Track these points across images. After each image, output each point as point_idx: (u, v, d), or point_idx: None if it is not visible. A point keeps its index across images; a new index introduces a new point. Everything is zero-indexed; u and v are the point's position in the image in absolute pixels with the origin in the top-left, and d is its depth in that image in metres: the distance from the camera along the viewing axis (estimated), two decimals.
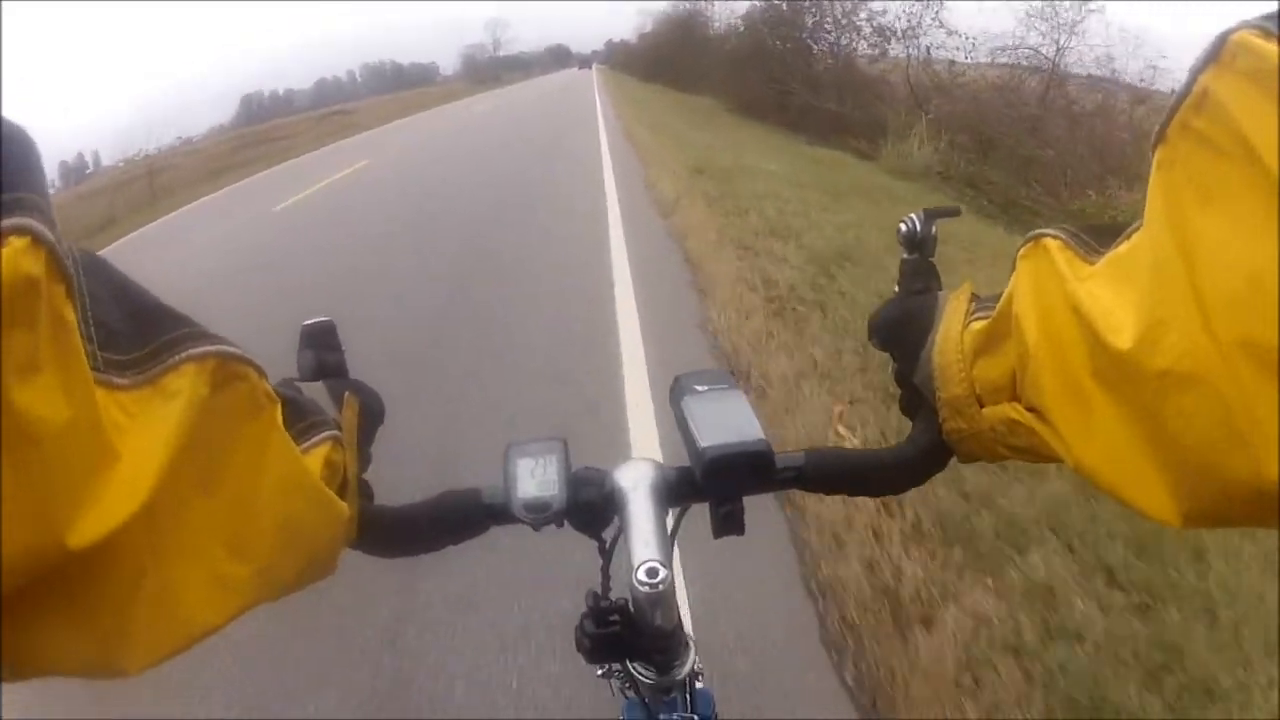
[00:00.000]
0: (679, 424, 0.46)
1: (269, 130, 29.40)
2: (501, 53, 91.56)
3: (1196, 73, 0.25)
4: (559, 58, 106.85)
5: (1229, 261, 0.24)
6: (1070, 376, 0.32)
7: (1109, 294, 0.30)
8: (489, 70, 77.13)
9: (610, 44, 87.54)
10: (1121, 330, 0.28)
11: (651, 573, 0.41)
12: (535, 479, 0.45)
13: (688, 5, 26.57)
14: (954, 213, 0.54)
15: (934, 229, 0.50)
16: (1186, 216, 0.25)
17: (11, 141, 0.21)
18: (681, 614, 0.47)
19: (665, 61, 27.68)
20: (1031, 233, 0.36)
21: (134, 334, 0.26)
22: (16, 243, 0.20)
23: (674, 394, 0.48)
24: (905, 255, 0.50)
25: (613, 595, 0.45)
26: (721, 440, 0.43)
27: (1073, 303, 0.31)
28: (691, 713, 0.54)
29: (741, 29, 17.98)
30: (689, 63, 22.99)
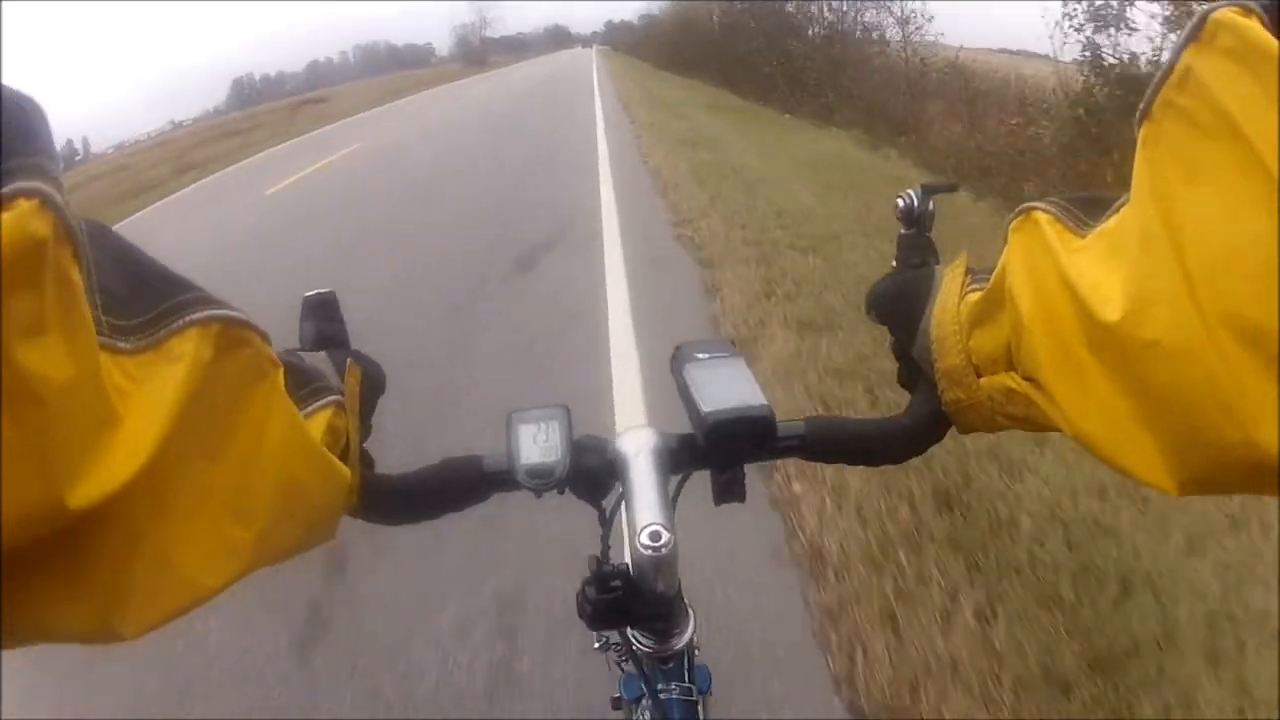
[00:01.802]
0: (680, 392, 0.46)
1: (228, 123, 27.99)
2: (488, 33, 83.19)
3: (1179, 51, 0.26)
4: (558, 38, 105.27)
5: (1213, 236, 0.24)
6: (1064, 347, 0.32)
7: (1098, 267, 0.30)
8: (479, 52, 71.66)
9: (610, 24, 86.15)
10: (1110, 303, 0.29)
11: (655, 536, 0.41)
12: (538, 445, 0.45)
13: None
14: (952, 188, 0.54)
15: (931, 204, 0.50)
16: (1172, 192, 0.26)
17: (19, 109, 0.21)
18: (681, 583, 0.48)
19: (668, 44, 26.39)
20: (1022, 205, 0.37)
21: (138, 299, 0.26)
22: (25, 205, 0.20)
23: (675, 363, 0.48)
24: (903, 230, 0.51)
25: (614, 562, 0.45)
26: (724, 406, 0.43)
27: (1063, 275, 0.32)
28: (689, 683, 0.54)
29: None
30: (686, 43, 22.77)
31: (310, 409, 0.37)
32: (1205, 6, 0.25)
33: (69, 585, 0.24)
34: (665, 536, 0.41)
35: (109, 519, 0.24)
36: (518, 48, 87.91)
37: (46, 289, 0.21)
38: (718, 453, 0.45)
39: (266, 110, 31.37)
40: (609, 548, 0.48)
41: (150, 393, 0.25)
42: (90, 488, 0.22)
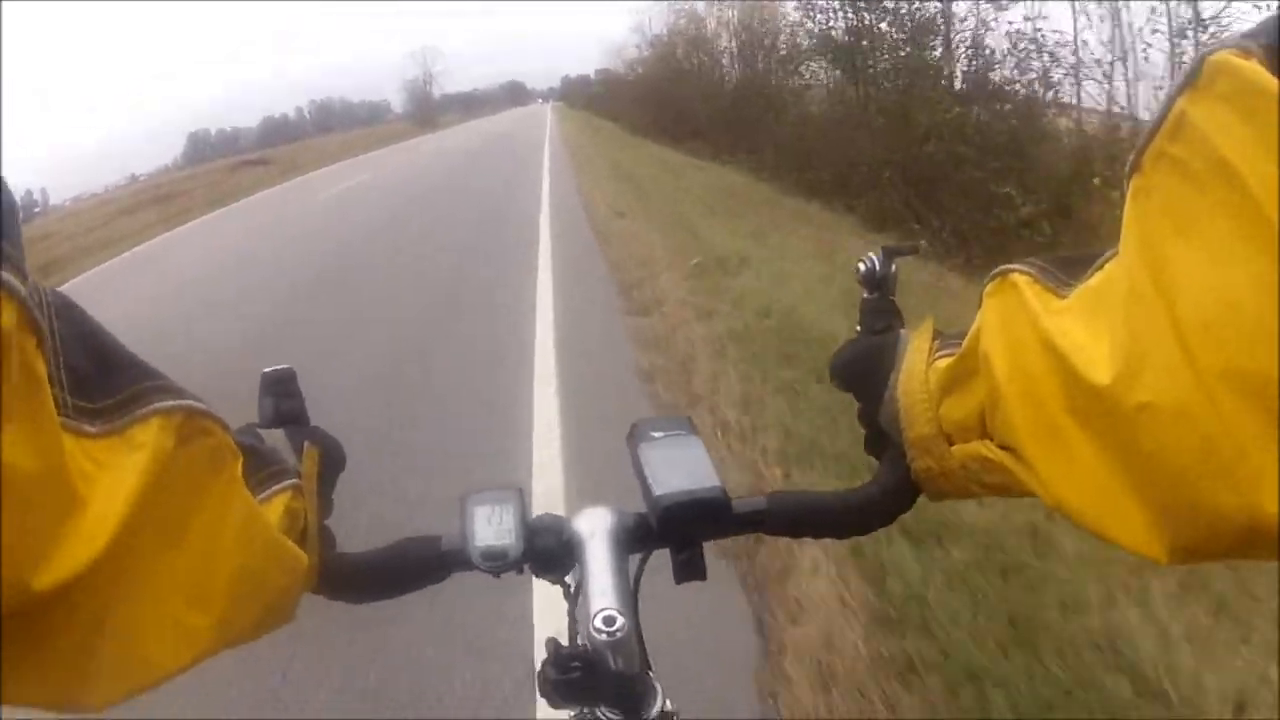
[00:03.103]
0: (635, 471, 0.46)
1: (165, 184, 27.49)
2: (437, 88, 77.32)
3: (1173, 98, 0.25)
4: (514, 94, 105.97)
5: (1208, 289, 0.23)
6: (1044, 413, 0.31)
7: (1082, 328, 0.29)
8: (428, 111, 66.35)
9: (566, 80, 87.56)
10: (1098, 365, 0.27)
11: (608, 621, 0.41)
12: (492, 527, 0.45)
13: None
14: (913, 250, 0.53)
15: (894, 267, 0.50)
16: (1162, 246, 0.25)
17: None
18: (647, 656, 0.48)
19: (649, 100, 20.19)
20: (998, 269, 0.36)
21: (103, 381, 0.27)
22: None
23: (631, 440, 0.48)
24: (865, 294, 0.50)
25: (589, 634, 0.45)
26: (676, 488, 0.43)
27: (1044, 338, 0.31)
28: None
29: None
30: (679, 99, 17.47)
31: (268, 493, 0.37)
32: (1203, 49, 0.24)
33: (34, 660, 0.24)
34: (619, 622, 0.41)
35: (73, 600, 0.24)
36: (473, 105, 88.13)
37: (11, 379, 0.21)
38: (673, 534, 0.45)
39: (204, 172, 30.93)
40: (576, 624, 0.47)
41: (113, 478, 0.25)
42: (54, 571, 0.23)
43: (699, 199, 8.26)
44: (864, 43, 9.95)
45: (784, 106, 12.49)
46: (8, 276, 0.21)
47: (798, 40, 12.42)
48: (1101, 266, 0.30)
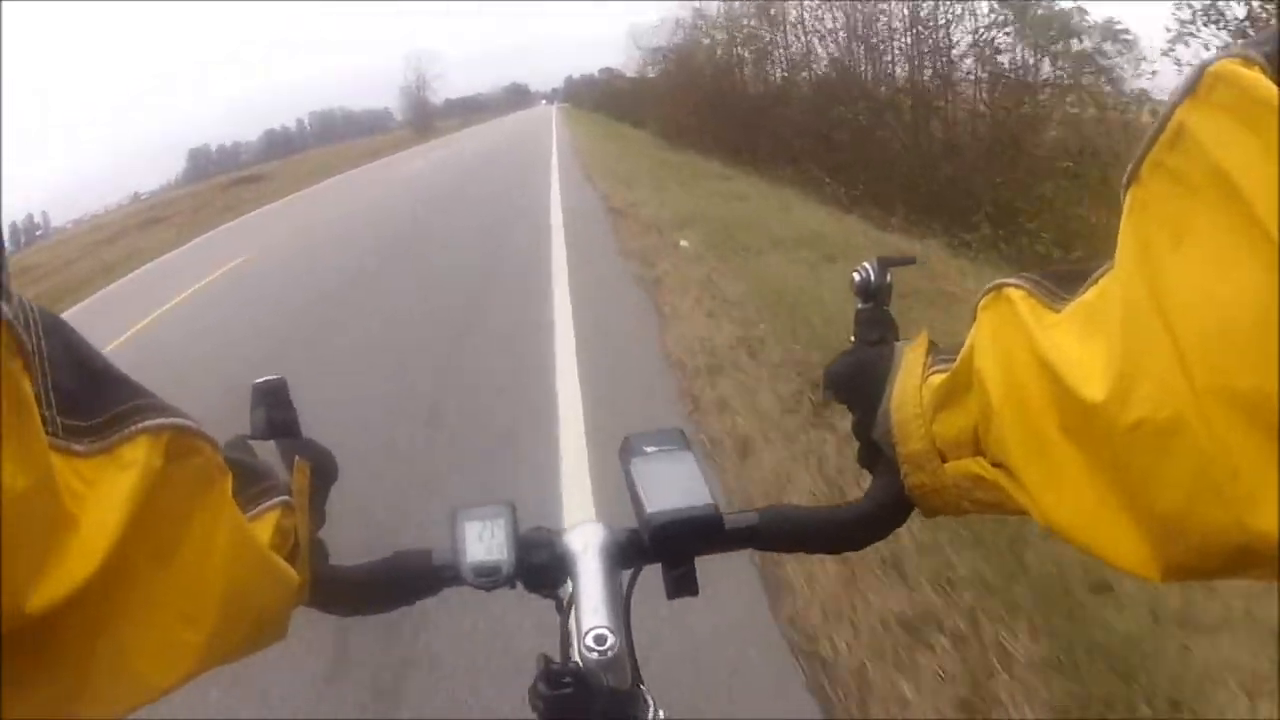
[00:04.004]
0: (628, 486, 0.46)
1: (159, 205, 26.92)
2: (436, 93, 71.86)
3: (1172, 108, 0.24)
4: (517, 97, 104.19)
5: (1205, 303, 0.23)
6: (1037, 431, 0.31)
7: (1077, 343, 0.29)
8: (425, 117, 63.22)
9: (570, 80, 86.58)
10: (1091, 381, 0.27)
11: (599, 639, 0.41)
12: (484, 543, 0.45)
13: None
14: (909, 261, 0.53)
15: (889, 277, 0.50)
16: (1159, 259, 0.25)
17: None
18: (640, 673, 0.47)
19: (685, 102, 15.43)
20: (992, 283, 0.36)
21: (91, 400, 0.27)
22: None
23: (623, 454, 0.48)
24: (860, 305, 0.50)
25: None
26: (667, 505, 0.43)
27: (1038, 354, 0.31)
28: None
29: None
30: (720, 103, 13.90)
31: (258, 510, 0.37)
32: (1204, 58, 0.24)
33: (26, 682, 0.25)
34: (610, 640, 0.41)
35: (64, 620, 0.24)
36: (475, 109, 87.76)
37: None
38: (665, 550, 0.45)
39: (187, 194, 30.08)
40: (568, 640, 0.47)
41: (103, 497, 0.26)
42: (47, 591, 0.23)
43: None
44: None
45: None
46: None
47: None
48: (1096, 281, 0.30)
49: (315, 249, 8.94)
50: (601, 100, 36.13)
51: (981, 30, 8.83)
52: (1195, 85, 0.24)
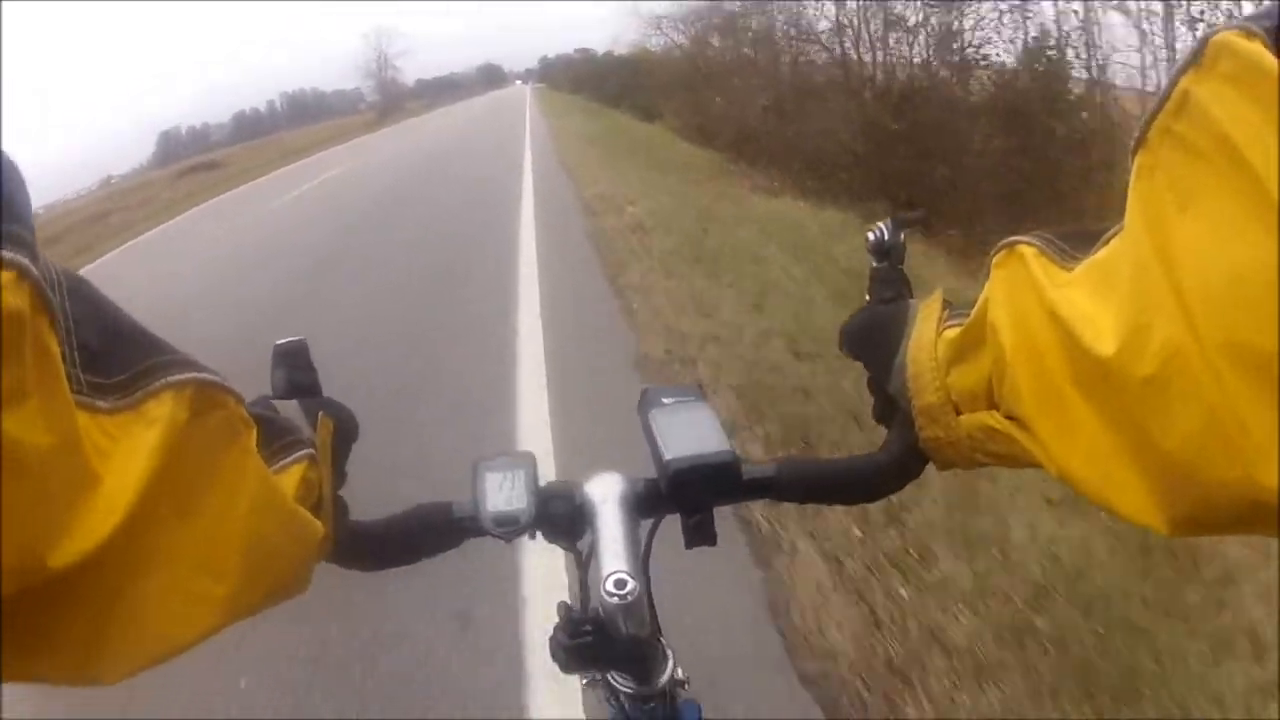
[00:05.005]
0: (646, 436, 0.47)
1: (103, 199, 25.11)
2: (399, 72, 67.45)
3: (1177, 76, 0.25)
4: (491, 77, 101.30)
5: (1211, 264, 0.24)
6: (1049, 384, 0.32)
7: (1088, 300, 0.30)
8: (393, 99, 60.25)
9: (545, 60, 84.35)
10: (1102, 336, 0.28)
11: (619, 584, 0.41)
12: (504, 493, 0.46)
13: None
14: (922, 220, 0.55)
15: (902, 237, 0.50)
16: (1167, 221, 0.25)
17: None
18: (659, 624, 0.48)
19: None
20: (1005, 240, 0.36)
21: (115, 357, 0.27)
22: (3, 277, 0.21)
23: (641, 407, 0.49)
24: (874, 264, 0.50)
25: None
26: (686, 452, 0.44)
27: (1050, 310, 0.31)
28: None
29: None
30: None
31: (283, 463, 0.38)
32: (1207, 30, 0.25)
33: (50, 637, 0.25)
34: (630, 584, 0.41)
35: (87, 575, 0.24)
36: (448, 88, 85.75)
37: (24, 359, 0.21)
38: (683, 498, 0.46)
39: (138, 186, 27.84)
40: (588, 590, 0.48)
41: (127, 453, 0.26)
42: (70, 547, 0.23)
43: None
44: None
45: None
46: (20, 257, 0.21)
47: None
48: (1108, 241, 0.30)
49: None
50: (583, 80, 31.67)
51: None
52: (1199, 55, 0.24)
